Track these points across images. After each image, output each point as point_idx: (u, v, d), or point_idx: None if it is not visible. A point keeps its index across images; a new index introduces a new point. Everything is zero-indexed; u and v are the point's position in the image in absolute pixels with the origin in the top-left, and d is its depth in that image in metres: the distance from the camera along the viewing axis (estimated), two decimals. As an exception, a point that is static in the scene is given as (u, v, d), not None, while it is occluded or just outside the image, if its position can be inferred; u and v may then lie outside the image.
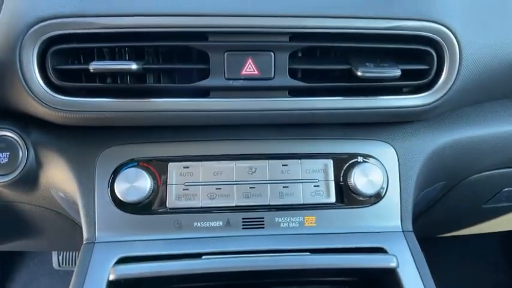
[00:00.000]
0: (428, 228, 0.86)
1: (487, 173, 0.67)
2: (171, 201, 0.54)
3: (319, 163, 0.56)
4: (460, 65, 0.51)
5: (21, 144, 0.54)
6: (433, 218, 0.78)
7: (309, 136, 0.57)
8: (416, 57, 0.51)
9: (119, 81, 0.50)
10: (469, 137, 0.60)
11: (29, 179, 0.56)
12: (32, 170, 0.55)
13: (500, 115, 0.62)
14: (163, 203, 0.54)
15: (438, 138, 0.59)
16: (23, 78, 0.46)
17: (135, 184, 0.52)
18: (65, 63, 0.48)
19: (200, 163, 0.54)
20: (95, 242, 0.52)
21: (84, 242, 0.53)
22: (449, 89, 0.51)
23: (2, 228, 0.70)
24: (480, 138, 0.61)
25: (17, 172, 0.54)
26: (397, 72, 0.48)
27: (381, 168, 0.56)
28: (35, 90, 0.47)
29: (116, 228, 0.53)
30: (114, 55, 0.49)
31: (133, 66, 0.45)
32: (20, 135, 0.55)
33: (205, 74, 0.49)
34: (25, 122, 0.55)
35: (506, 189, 0.72)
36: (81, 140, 0.55)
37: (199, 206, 0.54)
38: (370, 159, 0.57)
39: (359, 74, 0.48)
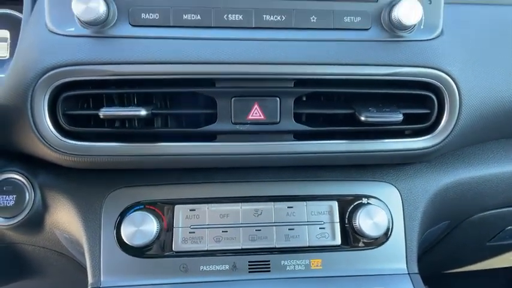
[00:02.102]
0: (433, 266, 0.85)
1: (490, 212, 0.67)
2: (177, 245, 0.54)
3: (324, 205, 0.57)
4: (460, 109, 0.52)
5: (28, 186, 0.55)
6: (438, 256, 0.78)
7: (314, 178, 0.58)
8: (418, 101, 0.53)
9: (127, 125, 0.52)
10: (471, 178, 0.61)
11: (35, 221, 0.56)
12: (38, 212, 0.55)
13: (501, 155, 0.64)
14: (169, 246, 0.54)
15: (441, 178, 0.60)
16: (33, 124, 0.47)
17: (142, 228, 0.52)
18: (74, 108, 0.50)
19: (206, 205, 0.55)
20: (100, 287, 0.52)
21: (89, 287, 0.52)
22: (451, 132, 0.53)
23: (4, 270, 0.69)
24: (482, 179, 0.62)
25: (24, 215, 0.54)
26: (399, 117, 0.50)
27: (385, 210, 0.56)
28: (45, 135, 0.48)
29: (122, 272, 0.52)
30: (122, 99, 0.51)
31: (143, 112, 0.47)
32: (28, 178, 0.55)
33: (212, 117, 0.50)
34: (33, 164, 0.56)
35: (509, 227, 0.73)
36: (88, 182, 0.56)
37: (206, 249, 0.54)
38: (375, 200, 0.57)
39: (362, 119, 0.49)
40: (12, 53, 0.68)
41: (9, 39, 0.70)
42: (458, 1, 0.58)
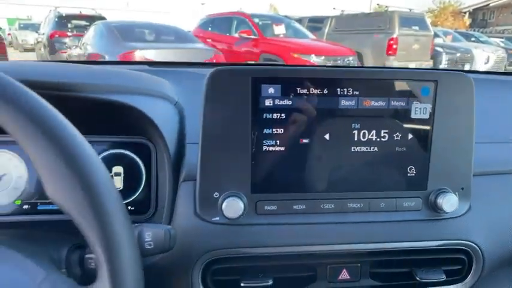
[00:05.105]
0: None
1: None
2: None
3: None
4: (483, 264, 0.73)
5: None
6: None
7: None
8: (453, 260, 0.74)
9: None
10: None
11: None
12: None
13: None
14: None
15: None
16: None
17: None
18: (219, 275, 0.68)
19: None
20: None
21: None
22: (477, 280, 0.73)
23: None
24: None
25: None
26: (443, 277, 0.70)
27: None
28: None
29: None
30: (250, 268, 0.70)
31: (270, 282, 0.66)
32: None
33: (311, 277, 0.70)
34: None
35: None
36: None
37: None
38: None
39: (418, 278, 0.70)
40: (125, 186, 0.86)
41: (122, 173, 0.88)
42: (480, 172, 0.80)
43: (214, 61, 6.79)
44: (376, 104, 0.67)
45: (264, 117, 0.66)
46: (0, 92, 0.37)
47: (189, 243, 0.66)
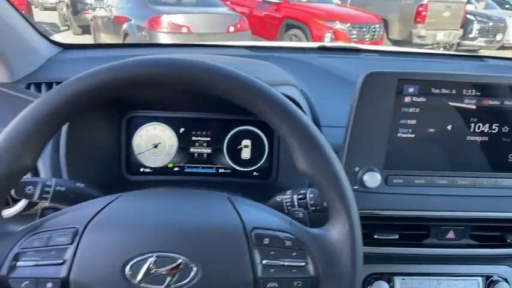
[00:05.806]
0: None
1: None
2: None
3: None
4: None
5: None
6: None
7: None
8: None
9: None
10: None
11: None
12: None
13: None
14: None
15: None
16: None
17: None
18: None
19: None
20: None
21: None
22: None
23: None
24: None
25: None
26: None
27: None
28: None
29: None
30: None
31: (396, 236, 0.86)
32: None
33: (423, 235, 0.90)
34: None
35: None
36: None
37: None
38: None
39: (508, 241, 0.89)
40: (252, 156, 1.04)
41: (250, 146, 1.06)
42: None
43: (239, 26, 6.72)
44: (492, 103, 0.83)
45: (402, 110, 0.82)
46: (275, 102, 0.54)
47: None
